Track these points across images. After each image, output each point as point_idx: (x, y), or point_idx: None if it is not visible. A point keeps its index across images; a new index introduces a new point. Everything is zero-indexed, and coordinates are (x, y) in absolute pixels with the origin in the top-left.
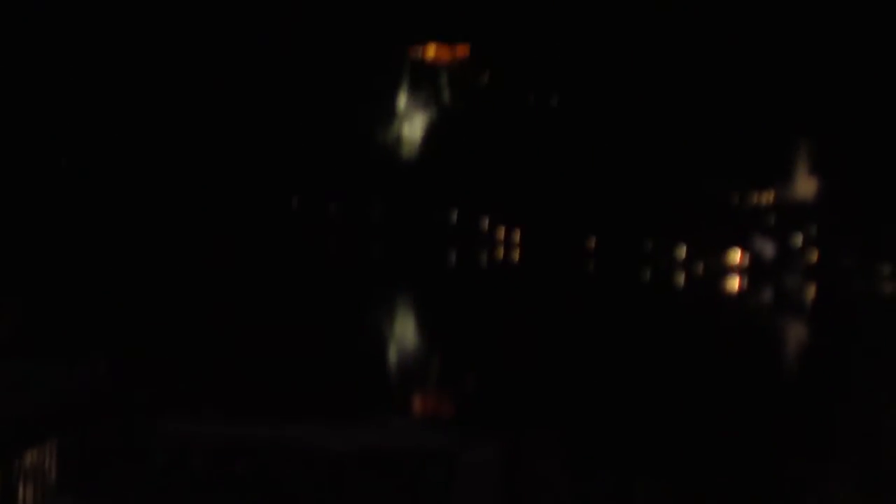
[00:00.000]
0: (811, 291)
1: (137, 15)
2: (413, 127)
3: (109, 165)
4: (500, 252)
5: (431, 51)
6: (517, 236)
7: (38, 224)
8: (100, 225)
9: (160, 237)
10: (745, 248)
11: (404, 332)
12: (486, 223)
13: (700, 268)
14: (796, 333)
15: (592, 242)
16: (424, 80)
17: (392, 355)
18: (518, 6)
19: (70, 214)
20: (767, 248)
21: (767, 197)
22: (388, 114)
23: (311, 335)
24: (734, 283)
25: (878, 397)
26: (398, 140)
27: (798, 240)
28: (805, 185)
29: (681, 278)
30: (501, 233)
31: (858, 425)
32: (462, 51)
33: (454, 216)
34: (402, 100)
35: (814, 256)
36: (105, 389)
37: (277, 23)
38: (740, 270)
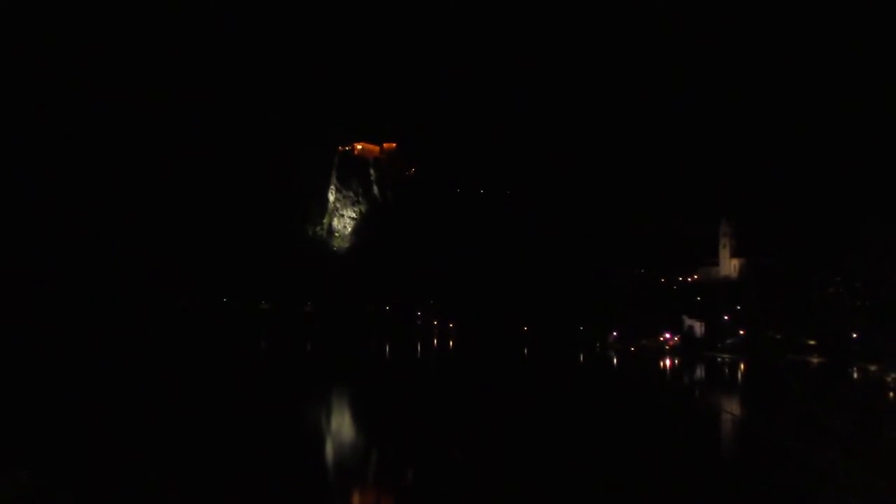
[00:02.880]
0: (742, 365)
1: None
2: (343, 220)
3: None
4: (435, 341)
5: (359, 147)
6: (452, 325)
7: None
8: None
9: (91, 347)
10: (675, 328)
11: (337, 428)
12: (420, 314)
13: (633, 348)
14: (727, 405)
15: (526, 328)
16: (354, 176)
17: (326, 453)
18: (443, 104)
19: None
20: (697, 327)
21: (692, 278)
22: (320, 209)
23: (246, 437)
24: (666, 362)
25: (813, 467)
26: (329, 234)
27: (725, 317)
28: (727, 265)
29: (614, 358)
30: (436, 322)
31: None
32: (389, 147)
33: (388, 308)
34: (333, 195)
35: (742, 332)
36: (28, 499)
37: (208, 121)
38: (672, 349)
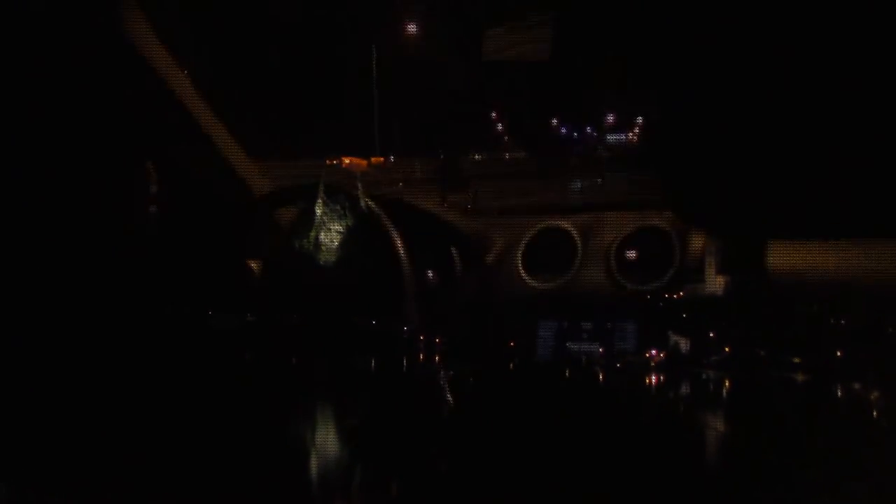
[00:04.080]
0: (727, 382)
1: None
2: (330, 234)
3: None
4: (421, 356)
5: (346, 161)
6: (438, 340)
7: None
8: None
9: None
10: (661, 344)
11: (322, 441)
12: (406, 328)
13: (619, 364)
14: (713, 423)
15: (512, 343)
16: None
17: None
18: (434, 117)
19: None
20: (682, 343)
21: (678, 294)
22: (307, 222)
23: (228, 449)
24: (652, 377)
25: (795, 486)
26: (316, 247)
27: (711, 334)
28: (714, 282)
29: (600, 373)
30: (422, 337)
31: None
32: (377, 161)
33: (374, 322)
34: (320, 208)
35: (727, 349)
36: None
37: (193, 130)
38: (657, 365)
